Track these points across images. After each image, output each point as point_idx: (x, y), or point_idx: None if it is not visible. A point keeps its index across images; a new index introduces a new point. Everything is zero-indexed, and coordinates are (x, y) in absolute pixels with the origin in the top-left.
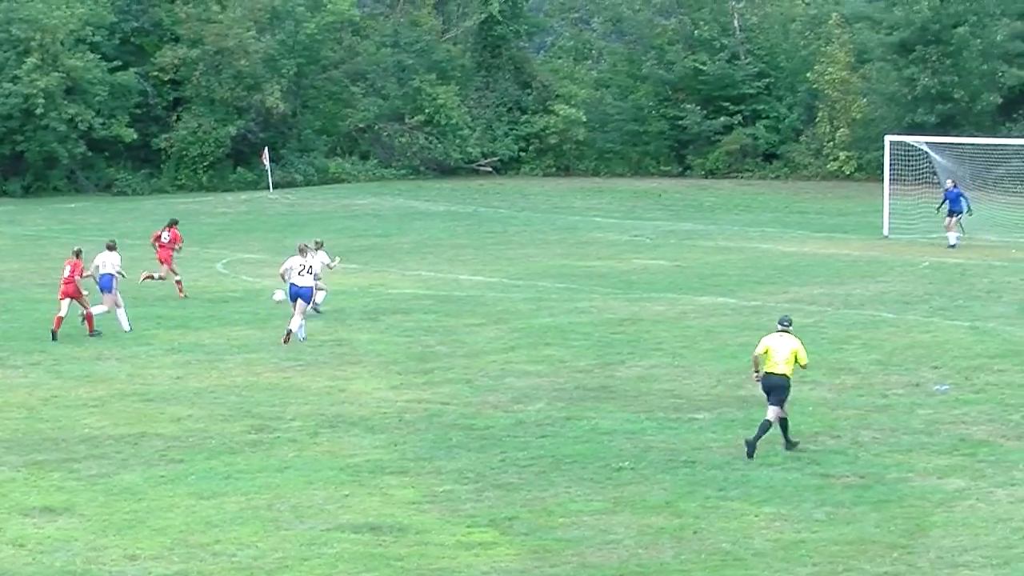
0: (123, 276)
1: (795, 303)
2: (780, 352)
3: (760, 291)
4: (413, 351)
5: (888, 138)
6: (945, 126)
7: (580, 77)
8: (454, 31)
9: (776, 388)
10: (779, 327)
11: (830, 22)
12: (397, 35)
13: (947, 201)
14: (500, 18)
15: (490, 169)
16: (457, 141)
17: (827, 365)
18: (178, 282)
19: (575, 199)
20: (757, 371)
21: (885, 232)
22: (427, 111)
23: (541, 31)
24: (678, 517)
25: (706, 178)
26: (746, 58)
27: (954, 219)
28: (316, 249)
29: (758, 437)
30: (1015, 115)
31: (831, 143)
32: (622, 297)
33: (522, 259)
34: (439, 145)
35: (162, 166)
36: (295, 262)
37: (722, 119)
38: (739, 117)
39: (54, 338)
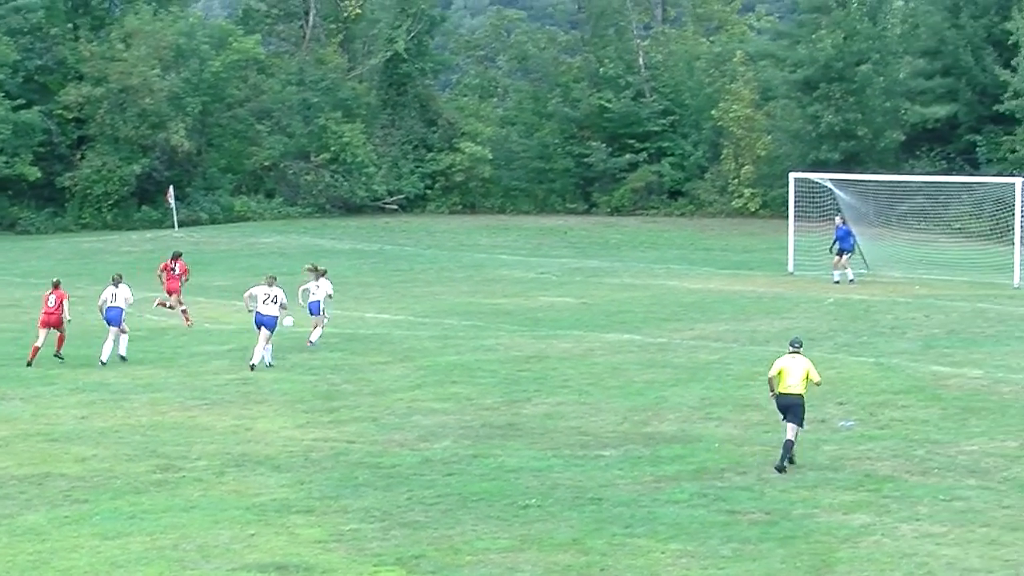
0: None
1: (701, 340)
2: (793, 373)
3: (666, 328)
4: (319, 389)
5: (792, 175)
6: (849, 163)
7: (486, 115)
8: (359, 69)
9: (792, 407)
10: (790, 348)
11: (735, 60)
12: (302, 73)
13: (837, 240)
14: (405, 56)
15: (396, 207)
16: (363, 179)
17: (733, 402)
18: (184, 311)
19: (481, 237)
20: (773, 392)
21: (790, 269)
22: (333, 149)
23: (447, 69)
24: (585, 555)
25: (612, 215)
26: (651, 96)
27: (844, 258)
28: (318, 277)
29: (784, 457)
30: (918, 152)
31: (736, 180)
32: (528, 334)
33: (428, 297)
34: (345, 183)
35: (66, 204)
36: (260, 291)
37: (627, 156)
38: (644, 154)
39: (29, 365)
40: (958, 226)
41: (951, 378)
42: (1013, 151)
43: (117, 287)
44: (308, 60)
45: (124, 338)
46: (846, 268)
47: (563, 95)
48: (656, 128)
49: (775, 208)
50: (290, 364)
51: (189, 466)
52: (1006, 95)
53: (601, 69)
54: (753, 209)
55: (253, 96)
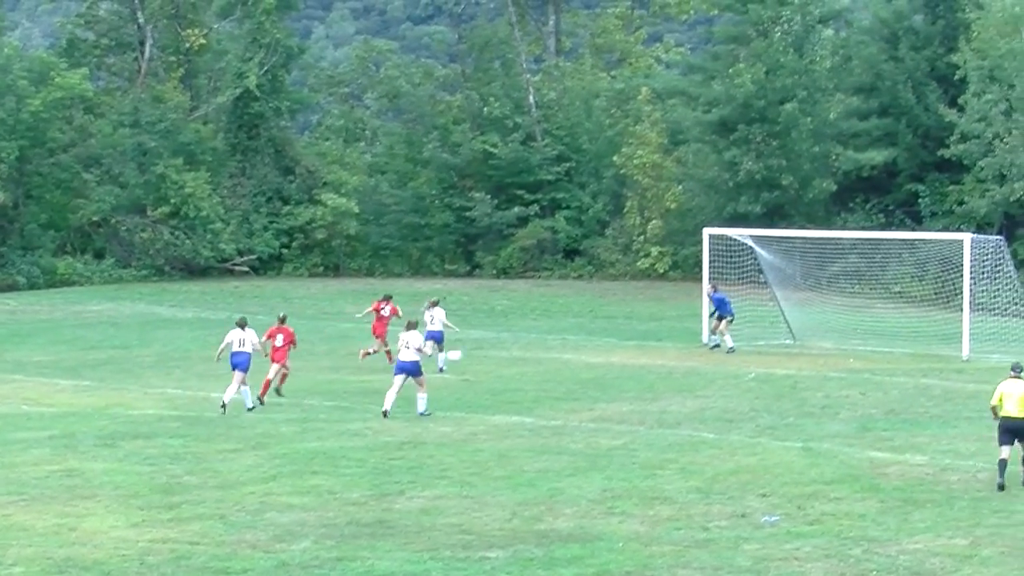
0: (261, 352)
1: (602, 422)
2: (1016, 397)
3: (561, 408)
4: (157, 482)
5: (707, 231)
6: (772, 217)
7: (351, 161)
8: (204, 108)
9: (1018, 431)
10: (1011, 374)
11: (639, 98)
12: (137, 113)
13: (716, 308)
14: (258, 93)
15: (247, 269)
16: (208, 236)
17: (639, 494)
18: (388, 352)
19: (346, 303)
20: (996, 417)
21: (704, 340)
22: (173, 201)
23: (306, 108)
24: None
25: (498, 278)
26: (543, 139)
27: (723, 323)
28: (431, 307)
29: (1003, 475)
30: (851, 204)
31: (642, 237)
32: (401, 418)
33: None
34: (187, 241)
35: None
36: (235, 335)
37: (516, 210)
38: (536, 207)
39: (261, 403)
40: (898, 289)
41: (891, 465)
42: (960, 203)
43: (244, 330)
44: (144, 98)
45: (246, 389)
46: (724, 334)
47: (441, 138)
48: (549, 177)
49: (687, 269)
50: (123, 453)
51: (4, 573)
52: (952, 138)
53: (485, 109)
54: (661, 270)
55: (80, 140)
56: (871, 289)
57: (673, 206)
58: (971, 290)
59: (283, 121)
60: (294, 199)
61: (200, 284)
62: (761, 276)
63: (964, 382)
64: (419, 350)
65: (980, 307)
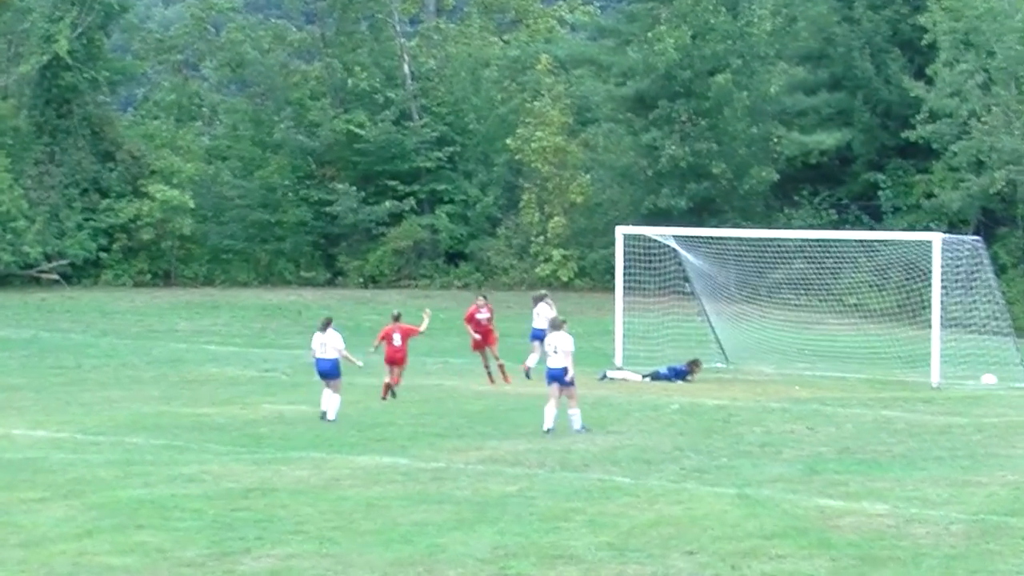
0: (351, 360)
1: (493, 464)
2: None
3: (443, 447)
4: None
5: (620, 230)
6: (700, 213)
7: (186, 145)
8: (3, 80)
9: None
10: None
11: (539, 67)
12: None
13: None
14: (70, 61)
15: (57, 277)
16: (8, 237)
17: (538, 551)
18: (501, 366)
19: (179, 319)
20: None
21: (618, 363)
22: None
23: (129, 80)
24: None
25: (365, 287)
26: (421, 118)
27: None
28: (539, 302)
29: None
30: (797, 196)
31: (541, 238)
32: (247, 458)
33: (103, 405)
34: None
35: None
36: (316, 340)
37: (387, 204)
38: (412, 201)
39: (394, 394)
40: (854, 302)
41: (844, 516)
42: (929, 196)
43: (326, 333)
44: None
45: (336, 399)
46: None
47: (296, 117)
48: (428, 164)
49: (596, 278)
50: None
51: None
52: (919, 117)
53: (350, 80)
54: (566, 278)
55: None
56: (821, 301)
57: (579, 200)
58: (942, 302)
59: (101, 95)
60: (115, 191)
61: None
62: (687, 285)
63: (933, 414)
64: (569, 353)
65: (953, 323)
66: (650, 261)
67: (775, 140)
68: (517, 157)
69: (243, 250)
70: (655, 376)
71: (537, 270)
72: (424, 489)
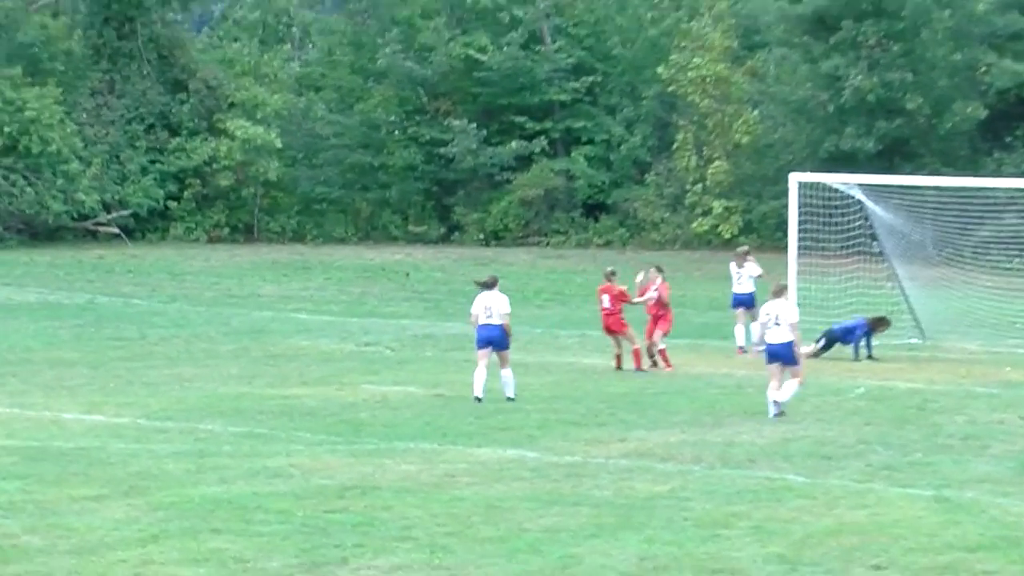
0: (508, 332)
1: (638, 458)
2: None
3: (579, 438)
4: None
5: (795, 177)
6: (892, 157)
7: (272, 73)
8: None
9: None
10: None
11: None
12: None
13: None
14: None
15: (117, 230)
16: (59, 182)
17: (693, 563)
18: (662, 352)
19: (263, 281)
20: None
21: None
22: (7, 131)
23: None
24: None
25: (486, 245)
26: (554, 41)
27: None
28: (743, 260)
29: None
30: (1009, 137)
31: (699, 187)
32: (344, 450)
33: (171, 385)
34: (28, 190)
35: None
36: (480, 303)
37: (513, 145)
38: (543, 142)
39: (653, 360)
40: None
41: None
42: None
43: (492, 291)
44: None
45: (509, 373)
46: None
47: (404, 40)
48: (563, 97)
49: (765, 235)
50: None
51: None
52: None
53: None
54: (728, 235)
55: None
56: None
57: (745, 141)
58: None
59: (170, 12)
60: (187, 128)
61: (46, 252)
62: (874, 244)
63: None
64: (795, 326)
65: None
66: (830, 215)
67: (983, 69)
68: (670, 89)
69: (339, 199)
70: (828, 339)
71: (693, 225)
72: (556, 488)
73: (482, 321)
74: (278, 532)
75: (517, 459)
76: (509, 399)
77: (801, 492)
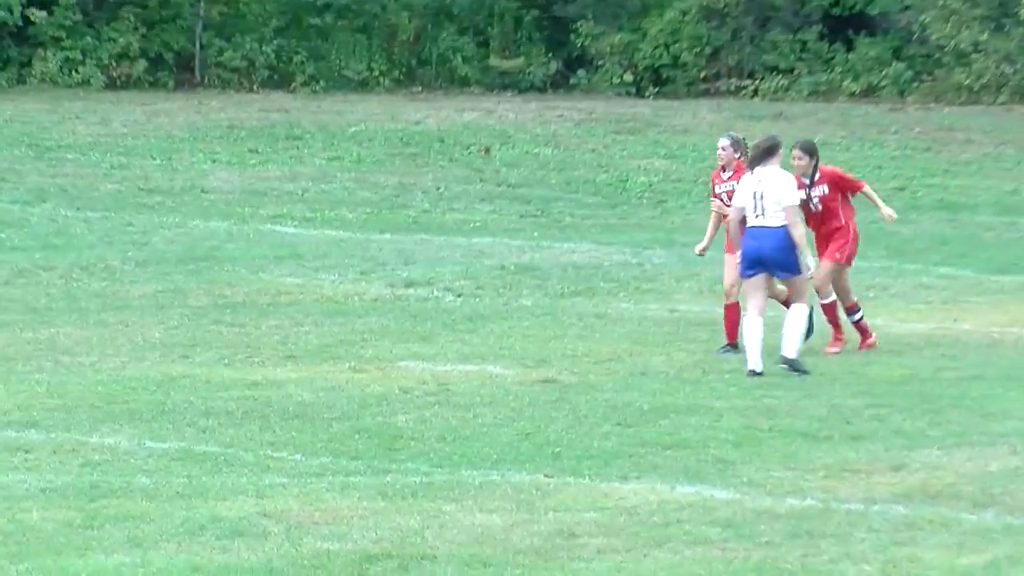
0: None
1: (926, 500)
2: None
3: (814, 463)
4: None
5: None
6: None
7: None
8: None
9: None
10: None
11: None
12: None
13: None
14: None
15: None
16: None
17: None
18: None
19: (210, 161)
20: None
21: None
22: None
23: None
24: None
25: (637, 93)
26: None
27: None
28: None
29: None
30: None
31: None
32: (366, 485)
33: (38, 362)
34: None
35: None
36: (745, 190)
37: None
38: None
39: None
40: None
41: None
42: None
43: (769, 162)
44: None
45: (799, 311)
46: None
47: None
48: None
49: None
50: None
51: None
52: None
53: None
54: None
55: None
56: None
57: None
58: None
59: None
60: None
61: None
62: None
63: None
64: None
65: None
66: None
67: None
68: None
69: (357, 6)
70: None
71: None
72: (773, 561)
73: (751, 222)
74: None
75: (696, 503)
76: (786, 362)
77: None
